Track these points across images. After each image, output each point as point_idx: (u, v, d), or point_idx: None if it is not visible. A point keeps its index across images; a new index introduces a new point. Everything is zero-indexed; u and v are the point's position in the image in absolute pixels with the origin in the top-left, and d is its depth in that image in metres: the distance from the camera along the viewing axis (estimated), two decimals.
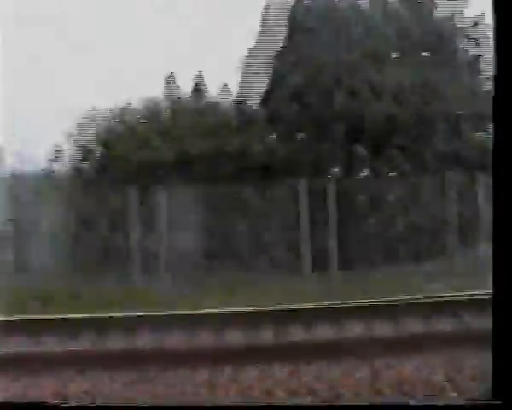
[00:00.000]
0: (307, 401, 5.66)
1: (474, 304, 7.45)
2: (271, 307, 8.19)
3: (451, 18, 15.94)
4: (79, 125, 15.36)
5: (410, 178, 13.85)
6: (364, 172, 14.64)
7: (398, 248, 13.47)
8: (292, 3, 15.66)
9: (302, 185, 13.67)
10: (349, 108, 14.44)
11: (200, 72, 15.96)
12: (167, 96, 16.07)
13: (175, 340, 7.48)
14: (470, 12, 15.54)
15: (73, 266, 13.29)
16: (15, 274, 12.94)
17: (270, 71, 15.43)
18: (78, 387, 6.18)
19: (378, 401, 5.17)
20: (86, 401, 5.71)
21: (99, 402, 5.78)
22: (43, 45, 15.11)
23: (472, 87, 15.03)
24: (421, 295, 8.37)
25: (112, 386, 6.20)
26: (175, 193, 13.83)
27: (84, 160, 15.54)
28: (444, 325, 7.52)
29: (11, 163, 14.49)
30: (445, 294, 8.58)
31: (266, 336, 7.55)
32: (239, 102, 15.60)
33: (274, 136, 14.87)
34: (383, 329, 7.50)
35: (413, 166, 14.13)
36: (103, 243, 13.79)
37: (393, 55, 15.28)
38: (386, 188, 14.09)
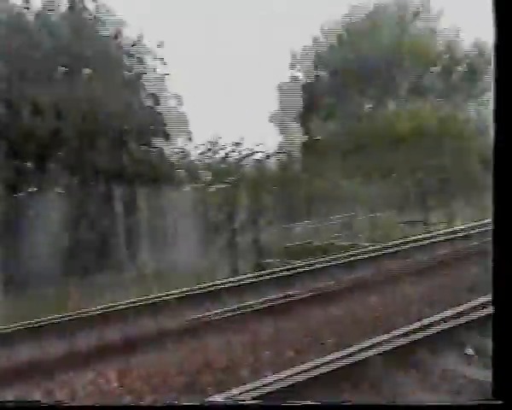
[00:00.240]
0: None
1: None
2: None
3: (116, 36, 16.48)
4: None
5: (75, 192, 13.87)
6: (31, 189, 14.23)
7: (67, 263, 13.37)
8: None
9: None
10: (11, 123, 13.93)
11: None
12: None
13: None
14: (130, 32, 16.30)
15: None
16: None
17: None
18: None
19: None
20: None
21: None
22: None
23: (134, 103, 15.71)
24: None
25: None
26: None
27: None
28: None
29: None
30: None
31: None
32: None
33: None
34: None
35: (79, 181, 14.18)
36: None
37: (59, 70, 15.19)
38: (52, 204, 13.88)
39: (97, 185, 14.21)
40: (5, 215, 13.23)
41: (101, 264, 13.68)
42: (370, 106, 22.82)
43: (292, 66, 25.24)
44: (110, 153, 14.58)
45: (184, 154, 19.89)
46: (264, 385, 5.20)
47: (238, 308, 8.64)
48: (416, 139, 21.12)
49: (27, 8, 15.61)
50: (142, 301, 9.63)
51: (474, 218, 16.32)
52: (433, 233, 14.90)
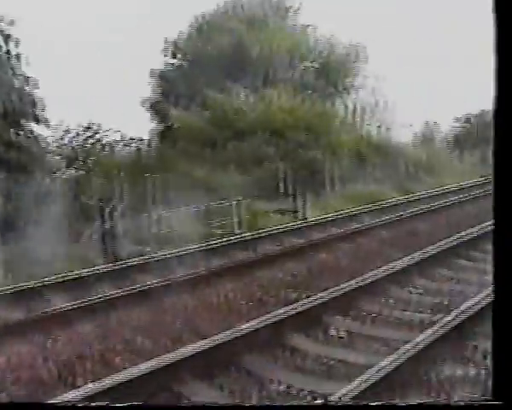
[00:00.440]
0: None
1: None
2: None
3: None
4: None
5: None
6: None
7: None
8: None
9: None
10: None
11: None
12: None
13: None
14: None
15: None
16: None
17: None
18: None
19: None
20: None
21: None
22: None
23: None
24: None
25: None
26: None
27: None
28: None
29: None
30: None
31: None
32: None
33: None
34: None
35: None
36: None
37: None
38: None
39: None
40: None
41: None
42: (244, 95, 22.99)
43: (165, 53, 25.02)
44: None
45: (55, 139, 19.19)
46: None
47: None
48: (290, 132, 21.58)
49: None
50: None
51: (342, 208, 16.91)
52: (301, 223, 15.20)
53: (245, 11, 25.53)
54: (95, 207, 14.10)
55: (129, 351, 6.26)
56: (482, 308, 6.41)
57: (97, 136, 20.50)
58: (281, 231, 13.67)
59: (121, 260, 11.26)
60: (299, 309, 6.92)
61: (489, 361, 5.40)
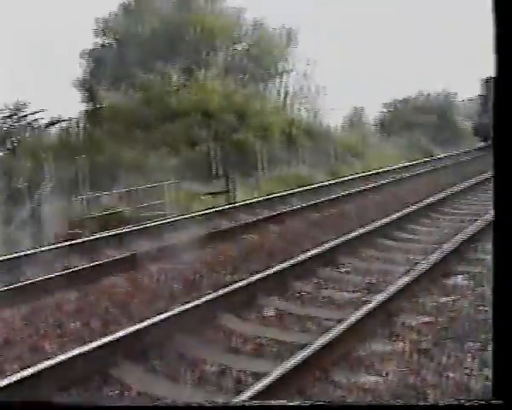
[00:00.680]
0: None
1: None
2: None
3: None
4: None
5: None
6: None
7: None
8: None
9: None
10: None
11: None
12: None
13: None
14: None
15: None
16: None
17: None
18: None
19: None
20: None
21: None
22: None
23: None
24: None
25: None
26: None
27: None
28: None
29: None
30: None
31: None
32: None
33: None
34: None
35: None
36: None
37: None
38: None
39: None
40: None
41: None
42: (176, 77, 22.79)
43: (96, 33, 24.51)
44: None
45: None
46: None
47: None
48: (222, 114, 21.58)
49: None
50: None
51: (273, 190, 17.09)
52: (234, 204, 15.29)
53: None
54: (24, 190, 13.73)
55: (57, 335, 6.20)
56: (408, 285, 6.72)
57: (26, 117, 19.89)
58: (210, 212, 13.70)
59: (49, 243, 11.04)
60: (231, 290, 6.99)
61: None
